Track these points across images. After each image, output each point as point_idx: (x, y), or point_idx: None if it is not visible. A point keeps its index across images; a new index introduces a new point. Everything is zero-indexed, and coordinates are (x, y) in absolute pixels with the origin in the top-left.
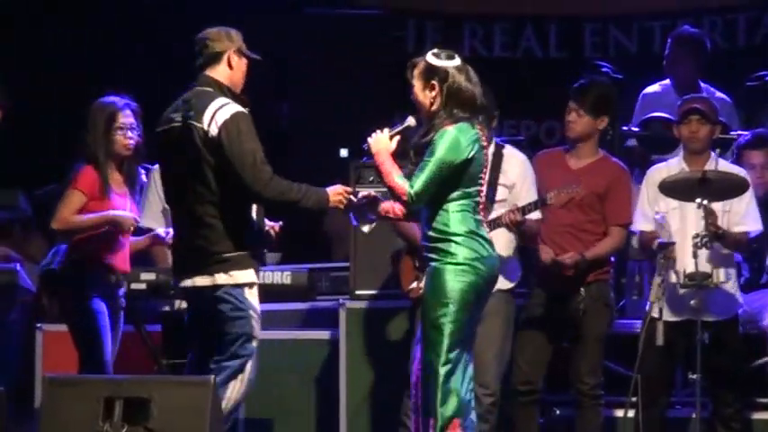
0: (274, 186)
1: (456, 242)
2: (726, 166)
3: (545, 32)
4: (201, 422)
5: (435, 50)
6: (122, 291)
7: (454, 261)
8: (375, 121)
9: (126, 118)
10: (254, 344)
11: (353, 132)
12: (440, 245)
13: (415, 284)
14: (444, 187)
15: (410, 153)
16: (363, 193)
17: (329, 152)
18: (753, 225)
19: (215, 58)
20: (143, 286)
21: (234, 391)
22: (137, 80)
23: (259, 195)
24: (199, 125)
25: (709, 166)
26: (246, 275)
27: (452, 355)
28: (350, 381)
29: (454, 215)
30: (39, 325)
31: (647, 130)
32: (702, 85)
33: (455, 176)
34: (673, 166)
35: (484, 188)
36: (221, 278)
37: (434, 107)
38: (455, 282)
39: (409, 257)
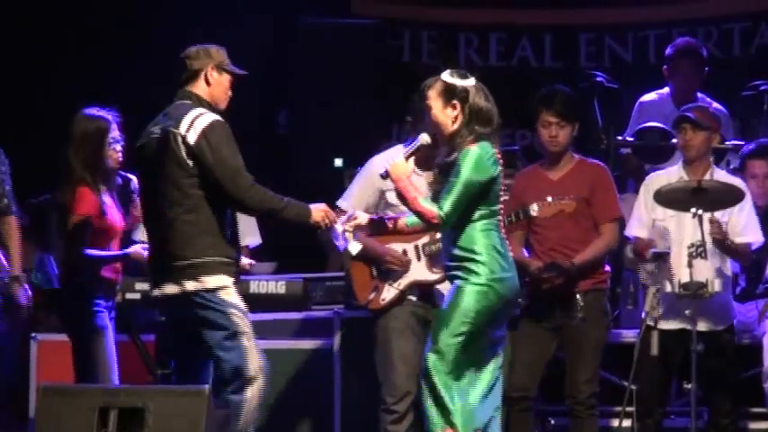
0: (255, 194)
1: (480, 261)
2: (724, 176)
3: (540, 42)
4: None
5: (449, 71)
6: (115, 301)
7: (477, 281)
8: (370, 130)
9: (114, 132)
10: (245, 340)
11: (348, 142)
12: (465, 263)
13: (374, 296)
14: (472, 206)
15: (434, 172)
16: (351, 214)
17: (324, 161)
18: (753, 236)
19: (193, 75)
20: (138, 296)
21: (252, 391)
22: (131, 90)
23: (242, 203)
24: (177, 131)
25: (708, 175)
26: (217, 280)
27: (466, 372)
28: (344, 390)
29: (480, 233)
30: (33, 335)
31: (641, 139)
32: (699, 95)
33: (481, 195)
34: (672, 174)
35: (502, 206)
36: (190, 285)
37: (456, 126)
38: (475, 303)
39: (362, 266)
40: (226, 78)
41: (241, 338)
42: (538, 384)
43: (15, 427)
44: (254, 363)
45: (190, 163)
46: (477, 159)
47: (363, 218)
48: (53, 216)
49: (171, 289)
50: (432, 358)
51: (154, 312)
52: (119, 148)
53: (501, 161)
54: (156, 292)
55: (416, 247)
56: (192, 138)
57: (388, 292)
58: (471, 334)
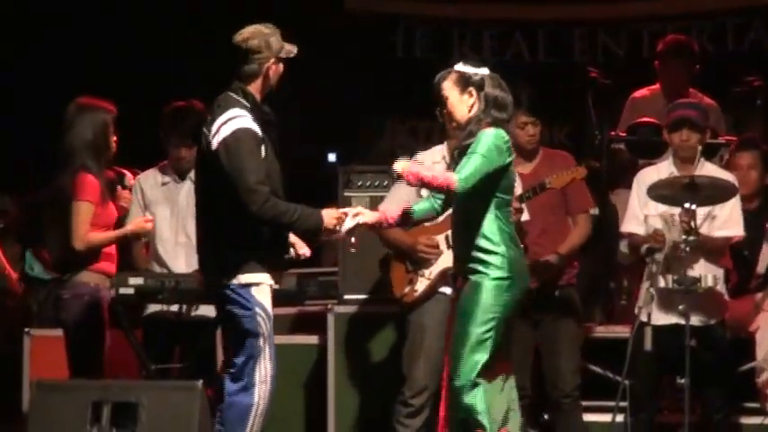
0: (268, 209)
1: (499, 253)
2: (715, 170)
3: (534, 37)
4: (190, 427)
5: (464, 60)
6: (110, 294)
7: (499, 276)
8: (363, 125)
9: (113, 123)
10: (261, 341)
11: (342, 137)
12: (483, 256)
13: (408, 288)
14: (486, 189)
15: (454, 154)
16: (352, 221)
17: (318, 157)
18: (735, 230)
19: (254, 71)
20: (131, 291)
21: (259, 395)
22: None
23: (253, 216)
24: (208, 132)
25: (699, 170)
26: (251, 277)
27: (497, 369)
28: (338, 385)
29: (496, 225)
30: (27, 329)
31: (634, 134)
32: (691, 90)
33: (495, 178)
34: (662, 169)
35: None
36: (226, 278)
37: (472, 113)
38: (499, 297)
39: (398, 262)
40: (281, 66)
41: (258, 340)
42: (530, 380)
43: (8, 422)
44: (266, 367)
45: (213, 169)
46: (495, 139)
47: (369, 216)
48: (47, 207)
49: (214, 278)
50: (462, 359)
51: (145, 307)
52: (115, 138)
53: (514, 152)
54: (206, 278)
55: (447, 237)
56: (214, 144)
57: (421, 284)
58: (498, 328)
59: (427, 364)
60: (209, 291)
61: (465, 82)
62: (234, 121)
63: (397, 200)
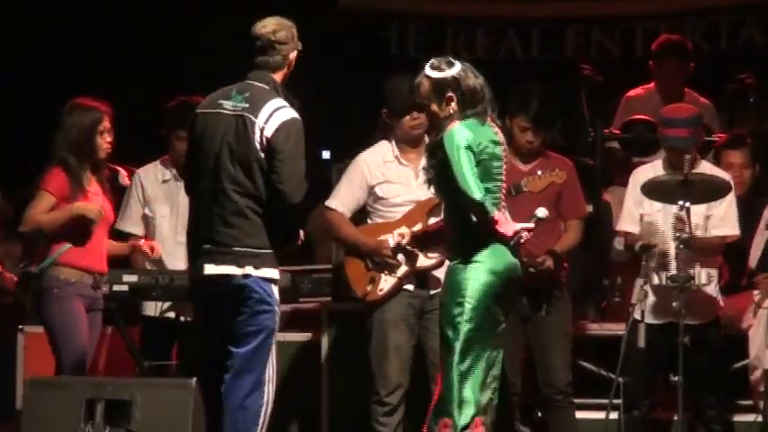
0: (301, 205)
1: (472, 239)
2: (710, 168)
3: (527, 34)
4: (184, 424)
5: (431, 64)
6: (101, 292)
7: (470, 259)
8: (357, 122)
9: (107, 122)
10: (274, 339)
11: (335, 134)
12: (458, 243)
13: (371, 287)
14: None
15: (426, 154)
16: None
17: (311, 153)
18: (730, 229)
19: (281, 62)
20: (125, 288)
21: (268, 394)
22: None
23: (290, 208)
24: (255, 119)
25: (695, 168)
26: (274, 273)
27: (469, 355)
28: (331, 382)
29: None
30: (20, 327)
31: (628, 132)
32: (686, 90)
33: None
34: (658, 167)
35: (504, 185)
36: (251, 270)
37: (451, 112)
38: (470, 280)
39: (356, 260)
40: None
41: (272, 338)
42: (520, 376)
43: (2, 419)
44: (273, 365)
45: (262, 155)
46: (455, 133)
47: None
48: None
49: (230, 269)
50: (443, 342)
51: (141, 304)
52: (109, 138)
53: (501, 139)
54: (213, 270)
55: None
56: (269, 131)
57: (386, 282)
58: (472, 312)
59: (398, 361)
60: (211, 279)
61: (440, 89)
62: (286, 109)
63: (350, 199)
